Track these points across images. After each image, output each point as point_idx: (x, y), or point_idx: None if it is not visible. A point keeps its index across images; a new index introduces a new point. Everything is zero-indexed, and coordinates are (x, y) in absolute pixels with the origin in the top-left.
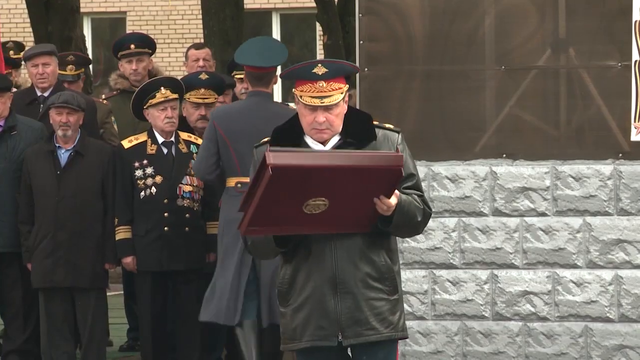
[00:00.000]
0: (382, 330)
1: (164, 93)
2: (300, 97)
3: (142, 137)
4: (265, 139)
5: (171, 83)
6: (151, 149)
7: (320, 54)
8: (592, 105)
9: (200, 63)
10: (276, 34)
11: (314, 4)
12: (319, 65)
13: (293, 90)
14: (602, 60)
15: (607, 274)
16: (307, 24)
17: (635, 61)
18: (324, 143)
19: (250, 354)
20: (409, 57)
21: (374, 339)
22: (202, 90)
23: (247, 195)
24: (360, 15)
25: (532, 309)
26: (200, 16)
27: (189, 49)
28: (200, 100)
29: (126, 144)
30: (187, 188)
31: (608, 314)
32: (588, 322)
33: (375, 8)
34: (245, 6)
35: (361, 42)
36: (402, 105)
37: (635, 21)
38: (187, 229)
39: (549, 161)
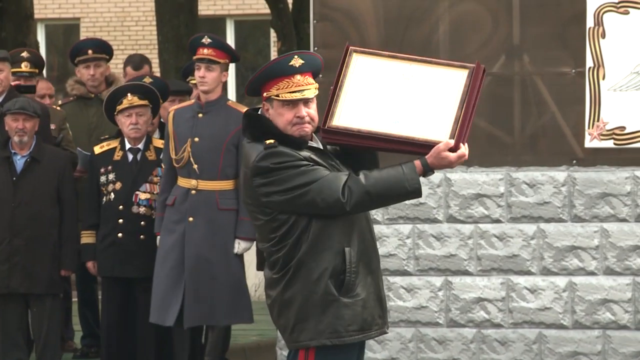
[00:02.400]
0: None
1: (130, 99)
2: (277, 95)
3: (114, 144)
4: (272, 141)
5: (139, 89)
6: (117, 155)
7: None
8: (546, 112)
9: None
10: (230, 40)
11: (268, 11)
12: (296, 57)
13: (265, 94)
14: (556, 67)
15: (561, 281)
16: (261, 30)
17: (589, 67)
18: (312, 139)
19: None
20: None
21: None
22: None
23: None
24: (315, 21)
25: (486, 316)
26: (154, 23)
27: (126, 63)
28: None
29: (97, 149)
30: (144, 195)
31: (562, 321)
32: (542, 329)
33: (330, 14)
34: (199, 12)
35: (315, 48)
36: None
37: (589, 28)
38: (142, 236)
39: (503, 168)
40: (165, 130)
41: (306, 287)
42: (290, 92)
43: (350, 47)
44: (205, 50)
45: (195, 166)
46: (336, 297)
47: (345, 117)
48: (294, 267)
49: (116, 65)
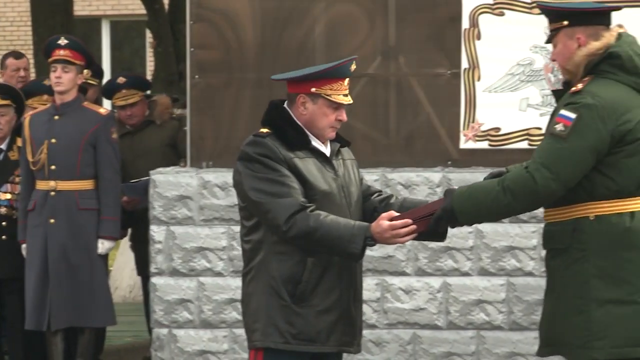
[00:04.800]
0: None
1: None
2: (329, 95)
3: None
4: (266, 130)
5: (1, 89)
6: None
7: (150, 61)
8: (422, 113)
9: (22, 73)
10: (106, 41)
11: (144, 11)
12: (353, 62)
13: (313, 89)
14: (431, 68)
15: (436, 282)
16: (137, 31)
17: (465, 69)
18: (325, 143)
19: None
20: (240, 65)
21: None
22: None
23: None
24: (191, 22)
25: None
26: (29, 23)
27: (6, 57)
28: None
29: None
30: (5, 196)
31: (436, 322)
32: (416, 330)
33: (206, 15)
34: (75, 13)
35: (192, 49)
36: (233, 114)
37: (465, 29)
38: (4, 237)
39: (379, 169)
40: (22, 137)
41: (263, 289)
42: (343, 95)
43: None
44: (62, 52)
45: (53, 167)
46: (288, 303)
47: None
48: (256, 267)
49: None
